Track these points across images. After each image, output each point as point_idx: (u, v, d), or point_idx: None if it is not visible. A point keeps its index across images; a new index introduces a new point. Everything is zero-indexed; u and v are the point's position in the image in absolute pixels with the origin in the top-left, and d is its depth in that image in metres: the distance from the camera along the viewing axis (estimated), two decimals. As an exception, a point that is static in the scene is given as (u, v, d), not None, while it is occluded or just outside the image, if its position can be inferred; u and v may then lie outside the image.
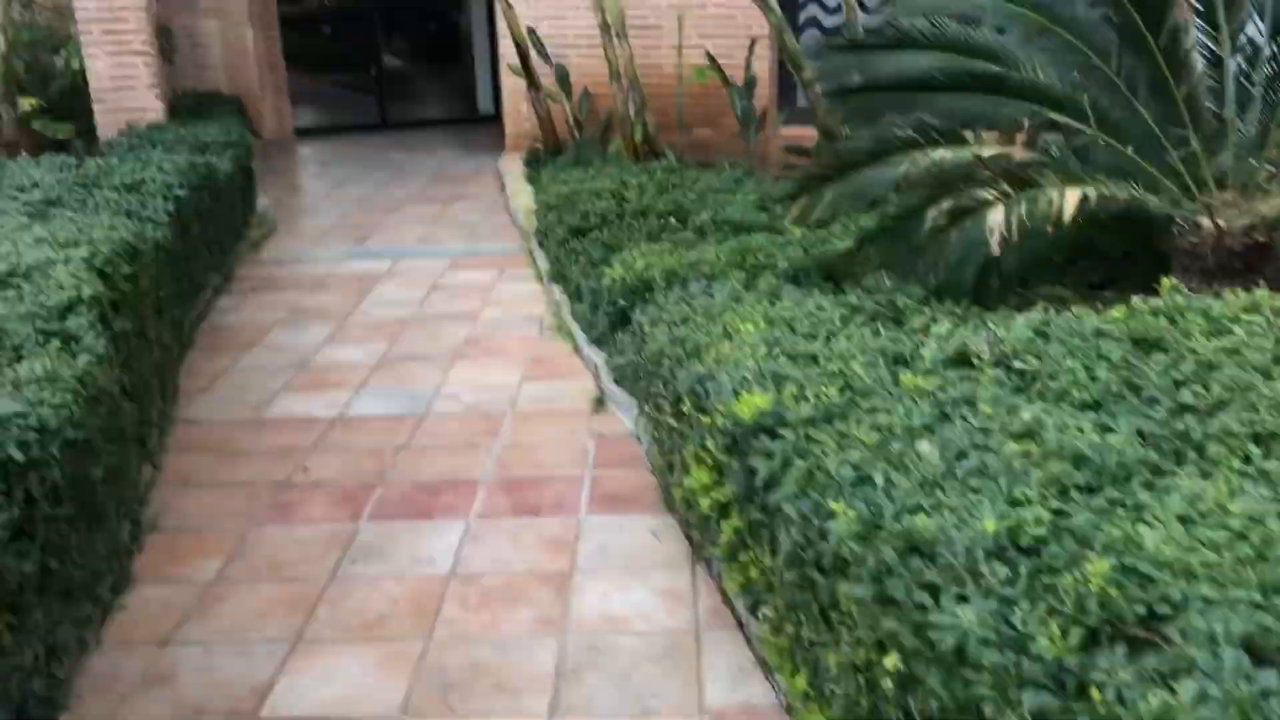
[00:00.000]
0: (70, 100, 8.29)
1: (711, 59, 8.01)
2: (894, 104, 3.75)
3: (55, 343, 3.15)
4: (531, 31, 8.80)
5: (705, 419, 2.70)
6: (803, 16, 9.38)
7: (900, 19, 3.91)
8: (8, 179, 5.44)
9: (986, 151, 3.56)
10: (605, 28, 7.72)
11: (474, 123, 11.90)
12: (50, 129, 7.92)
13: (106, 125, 7.54)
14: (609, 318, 4.73)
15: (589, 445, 4.04)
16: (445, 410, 4.46)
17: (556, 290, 5.79)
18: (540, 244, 6.67)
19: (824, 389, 2.56)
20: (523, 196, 7.86)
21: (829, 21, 8.52)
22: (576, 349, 5.09)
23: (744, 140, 8.05)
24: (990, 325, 3.01)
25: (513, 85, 9.42)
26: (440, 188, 8.80)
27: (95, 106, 7.50)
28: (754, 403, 2.44)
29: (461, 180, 9.08)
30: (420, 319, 5.69)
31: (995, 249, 3.22)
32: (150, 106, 7.52)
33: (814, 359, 2.88)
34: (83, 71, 7.58)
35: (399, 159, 10.08)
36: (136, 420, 3.66)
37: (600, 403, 4.42)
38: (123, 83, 7.44)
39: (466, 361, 5.04)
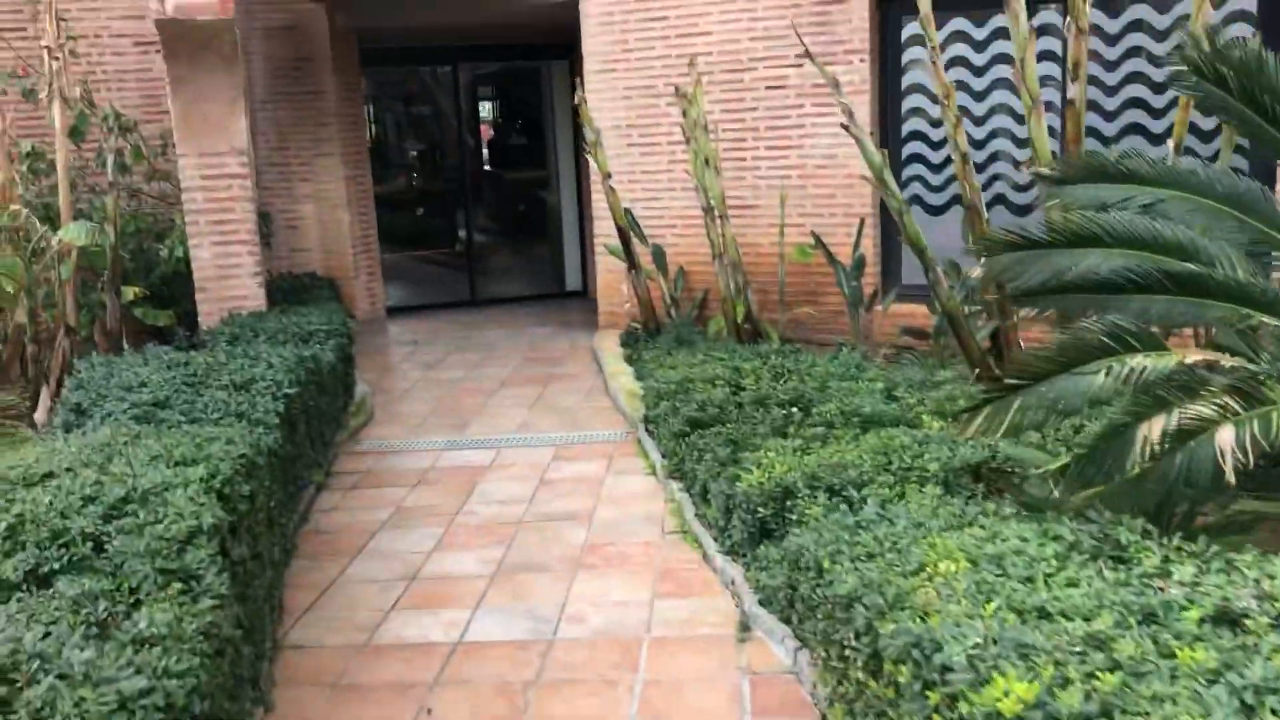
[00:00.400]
0: (170, 286, 8.34)
1: (817, 238, 7.84)
2: (1080, 305, 3.43)
3: (176, 585, 2.85)
4: (627, 212, 8.76)
5: (932, 696, 2.28)
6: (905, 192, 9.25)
7: (1072, 212, 3.62)
8: (116, 378, 5.31)
9: (1191, 358, 3.19)
10: (708, 209, 7.61)
11: (562, 298, 11.86)
12: (151, 316, 7.94)
13: (208, 313, 7.51)
14: (746, 527, 4.36)
15: (742, 684, 3.60)
16: (573, 635, 4.06)
17: (675, 487, 5.44)
18: (649, 433, 6.37)
19: (1086, 666, 2.13)
20: (623, 378, 7.62)
21: (933, 199, 8.36)
22: (706, 558, 4.69)
23: (851, 320, 7.78)
24: (1244, 568, 2.58)
25: (607, 264, 9.35)
26: (535, 368, 8.62)
27: (198, 295, 7.49)
28: (1012, 691, 2.02)
29: (556, 360, 8.90)
30: (532, 520, 5.35)
31: (1231, 476, 2.82)
32: (252, 294, 7.49)
33: (1047, 614, 2.46)
34: (186, 259, 7.62)
35: (491, 337, 9.99)
36: (252, 659, 3.33)
37: (745, 628, 4.00)
38: (226, 271, 7.44)
39: (588, 573, 4.66)
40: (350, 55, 10.52)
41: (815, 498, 4.24)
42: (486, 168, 15.24)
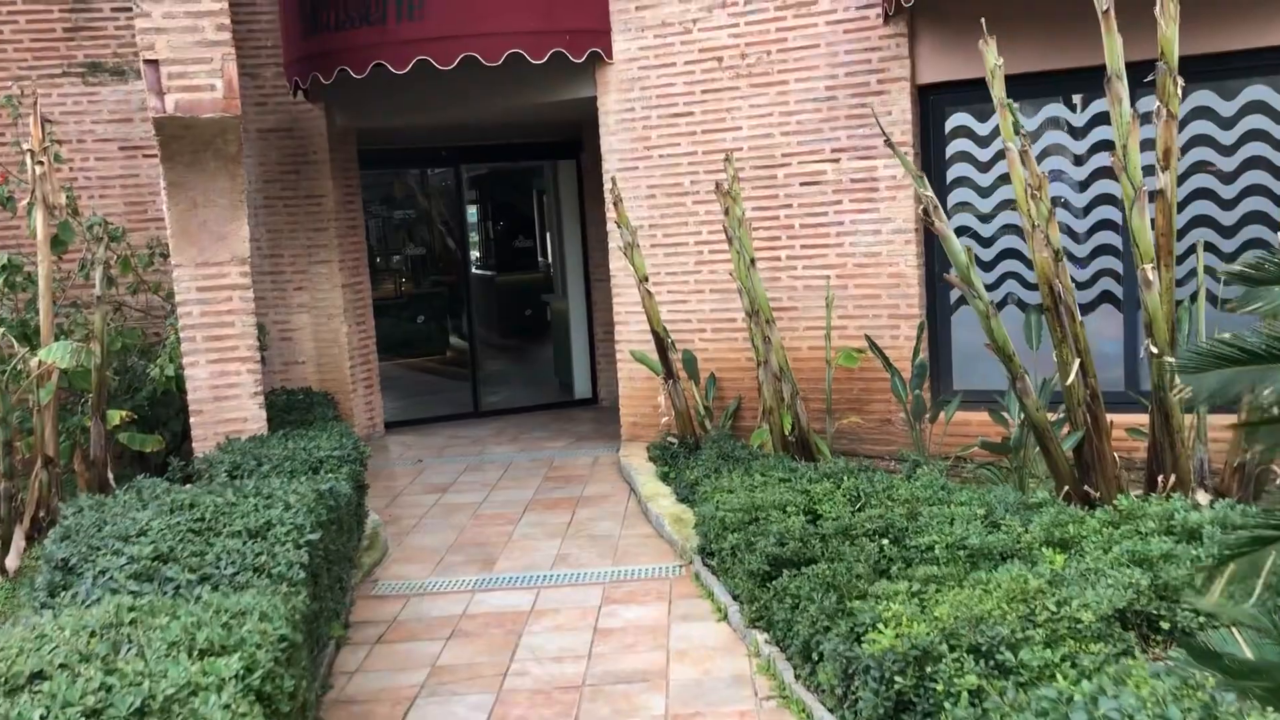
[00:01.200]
0: (156, 407, 7.60)
1: (872, 343, 7.27)
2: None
3: None
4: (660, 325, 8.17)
5: None
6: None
7: (1281, 320, 3.02)
8: (109, 525, 4.55)
9: None
10: (752, 313, 7.03)
11: (571, 407, 11.19)
12: (137, 441, 7.17)
13: (204, 437, 6.77)
14: (879, 700, 3.63)
15: None
16: None
17: (759, 639, 4.70)
18: (709, 567, 5.65)
19: None
20: (663, 500, 6.92)
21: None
22: (820, 732, 3.95)
23: (911, 432, 7.16)
24: None
25: (630, 371, 8.72)
26: (560, 489, 7.90)
27: (193, 418, 6.76)
28: None
29: (580, 478, 8.19)
30: (596, 682, 4.59)
31: None
32: (252, 416, 6.77)
33: None
34: (177, 379, 6.91)
35: (503, 453, 9.26)
36: None
37: (900, 834, 3.26)
38: (224, 392, 6.73)
39: (681, 755, 3.91)
40: (349, 156, 10.00)
41: (962, 663, 3.55)
42: (486, 271, 14.70)
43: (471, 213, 12.86)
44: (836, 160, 7.83)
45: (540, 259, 21.46)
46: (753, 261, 6.92)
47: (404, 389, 12.67)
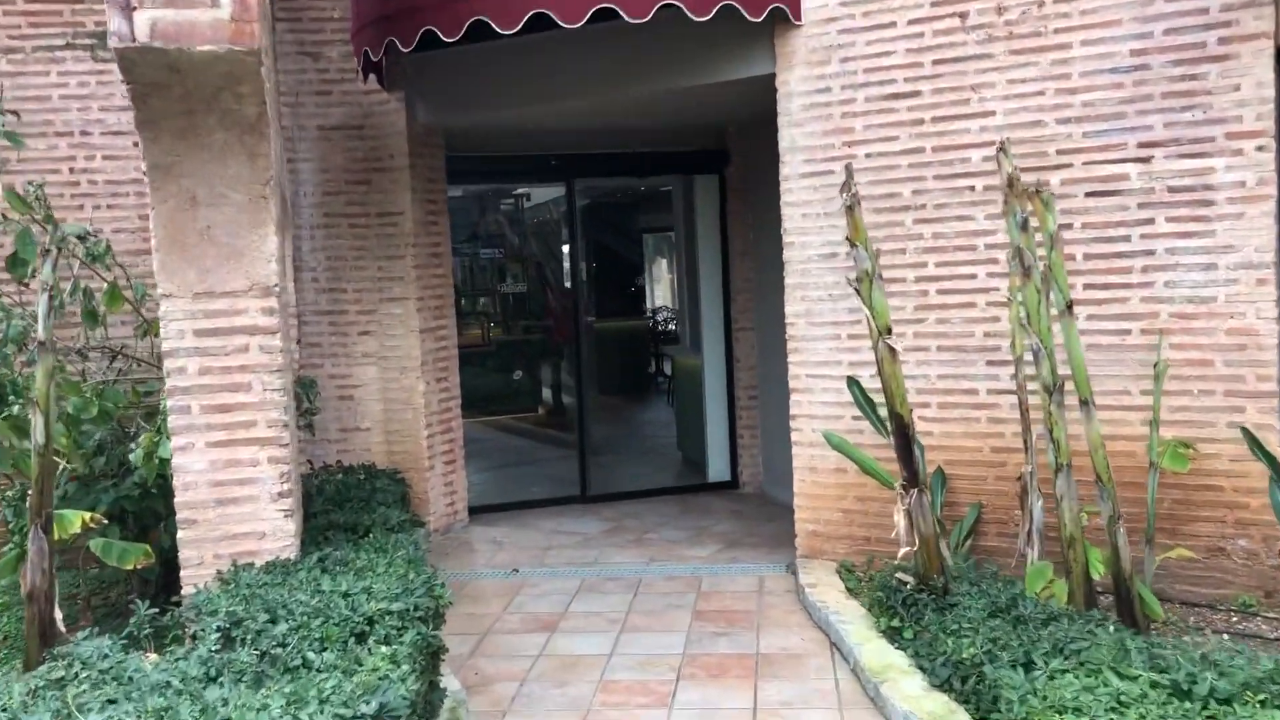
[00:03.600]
0: (154, 502, 5.28)
1: (1251, 437, 4.63)
2: None
3: None
4: (853, 382, 5.66)
5: None
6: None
7: None
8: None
9: None
10: (1052, 389, 4.45)
11: (703, 493, 8.66)
12: (115, 554, 4.85)
13: (199, 560, 4.43)
14: None
15: None
16: None
17: None
18: None
19: None
20: (905, 684, 4.34)
21: None
22: None
23: (1254, 567, 4.49)
24: None
25: (814, 459, 6.19)
26: (720, 635, 5.36)
27: (182, 531, 4.42)
28: None
29: (744, 617, 5.64)
30: None
31: None
32: (274, 529, 4.41)
33: None
34: (164, 466, 4.59)
35: (626, 563, 6.76)
36: None
37: None
38: (231, 491, 4.39)
39: None
40: (434, 165, 7.72)
41: None
42: (592, 317, 12.37)
43: (586, 241, 10.49)
44: (1146, 159, 5.26)
45: (646, 304, 19.03)
46: (1069, 307, 4.35)
47: (490, 457, 10.29)
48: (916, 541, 4.67)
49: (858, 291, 4.56)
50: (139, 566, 4.96)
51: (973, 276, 5.72)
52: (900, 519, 4.69)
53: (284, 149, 6.74)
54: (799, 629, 5.40)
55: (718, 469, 8.79)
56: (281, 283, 4.52)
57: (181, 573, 4.40)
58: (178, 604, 4.39)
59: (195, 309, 4.35)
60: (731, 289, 8.62)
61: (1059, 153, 5.44)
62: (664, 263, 30.06)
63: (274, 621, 3.76)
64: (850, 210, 4.45)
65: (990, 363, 5.70)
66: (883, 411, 5.59)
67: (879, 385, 5.82)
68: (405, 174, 7.43)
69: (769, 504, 8.18)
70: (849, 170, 4.64)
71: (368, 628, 3.69)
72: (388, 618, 3.75)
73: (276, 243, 4.39)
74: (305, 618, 3.74)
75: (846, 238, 4.63)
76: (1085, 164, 5.38)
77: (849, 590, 5.65)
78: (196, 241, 4.29)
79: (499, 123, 7.73)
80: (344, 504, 6.20)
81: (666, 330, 17.43)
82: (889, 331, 4.56)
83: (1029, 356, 4.88)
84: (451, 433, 7.83)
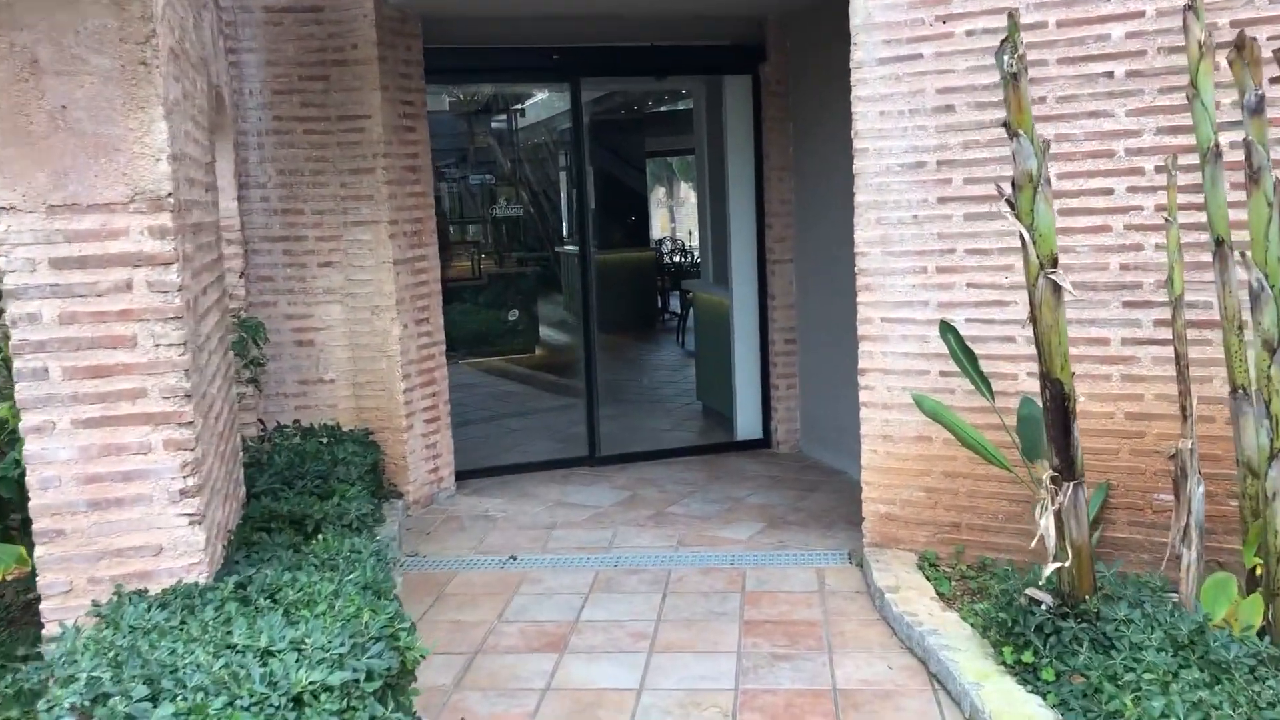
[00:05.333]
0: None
1: None
2: None
3: None
4: (949, 330, 4.38)
5: None
6: None
7: None
8: None
9: None
10: (1277, 345, 3.15)
11: (731, 452, 7.40)
12: (-25, 562, 3.55)
13: (66, 586, 3.13)
14: None
15: None
16: None
17: None
18: None
19: None
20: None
21: None
22: None
23: None
24: None
25: (888, 425, 4.92)
26: (781, 660, 4.12)
27: (42, 547, 3.11)
28: None
29: (807, 630, 4.40)
30: None
31: None
32: (176, 542, 3.13)
33: None
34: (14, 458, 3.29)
35: (648, 549, 5.52)
36: None
37: None
38: (111, 490, 3.08)
39: None
40: (409, 58, 6.30)
41: None
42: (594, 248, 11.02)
43: (593, 154, 9.06)
44: (1362, 30, 3.90)
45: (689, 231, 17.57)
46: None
47: (481, 407, 9.02)
48: (1069, 553, 3.39)
49: (1011, 205, 3.22)
50: (9, 577, 3.70)
51: (1108, 192, 4.38)
52: (1048, 522, 3.40)
53: (218, 27, 5.32)
54: (881, 650, 4.16)
55: (748, 425, 7.51)
56: (180, 194, 3.17)
57: (42, 605, 3.11)
58: (25, 658, 3.12)
59: (51, 228, 3.01)
60: (766, 213, 7.25)
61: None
62: (670, 188, 28.50)
63: (154, 699, 2.49)
64: (1013, 81, 3.09)
65: (1128, 304, 4.39)
66: (992, 367, 4.33)
67: (976, 333, 4.56)
68: (373, 68, 6.01)
69: (811, 468, 6.92)
70: (1013, 21, 3.24)
71: (293, 716, 2.41)
72: (325, 696, 2.47)
73: (166, 133, 3.02)
74: (201, 695, 2.47)
75: (1004, 123, 3.27)
76: None
77: (941, 597, 4.40)
78: (47, 129, 2.93)
79: (488, 6, 6.31)
80: (296, 480, 4.92)
81: (674, 262, 16.07)
82: (1054, 263, 3.22)
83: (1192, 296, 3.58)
84: (434, 385, 6.52)
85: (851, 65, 4.84)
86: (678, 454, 7.37)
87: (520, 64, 6.96)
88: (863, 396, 4.99)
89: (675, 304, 14.41)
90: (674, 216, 27.80)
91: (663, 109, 16.34)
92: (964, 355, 4.40)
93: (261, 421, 6.01)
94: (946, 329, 4.46)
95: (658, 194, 27.22)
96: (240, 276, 5.78)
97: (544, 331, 12.73)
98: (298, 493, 4.74)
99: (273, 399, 6.22)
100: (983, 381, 4.38)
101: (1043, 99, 4.42)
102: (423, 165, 6.40)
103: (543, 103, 15.07)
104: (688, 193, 27.98)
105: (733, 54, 7.15)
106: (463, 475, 6.83)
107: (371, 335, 6.21)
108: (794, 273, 7.23)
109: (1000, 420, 4.42)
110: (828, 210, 6.67)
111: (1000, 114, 4.49)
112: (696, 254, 19.36)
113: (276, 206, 6.15)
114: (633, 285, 13.61)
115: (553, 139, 16.02)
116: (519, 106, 14.07)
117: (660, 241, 18.35)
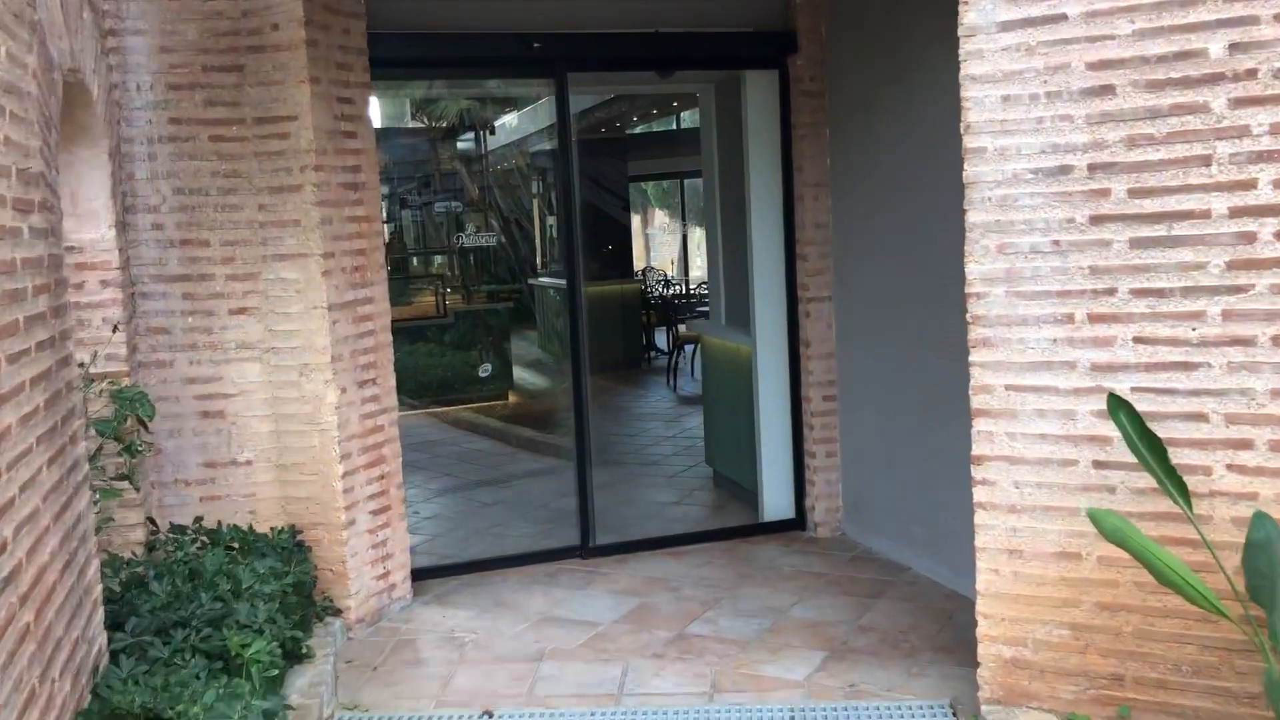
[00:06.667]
0: None
1: None
2: None
3: None
4: (1119, 403, 2.99)
5: None
6: None
7: None
8: None
9: None
10: None
11: (755, 535, 5.98)
12: None
13: None
14: None
15: None
16: None
17: None
18: None
19: None
20: None
21: None
22: None
23: None
24: None
25: (1012, 533, 3.50)
26: None
27: None
28: None
29: None
30: None
31: None
32: None
33: None
34: None
35: (672, 700, 4.07)
36: None
37: None
38: None
39: None
40: (348, 44, 4.86)
41: None
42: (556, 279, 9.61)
43: (581, 167, 7.67)
44: None
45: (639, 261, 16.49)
46: None
47: (445, 473, 7.58)
48: None
49: None
50: None
51: (1355, 205, 3.02)
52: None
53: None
54: None
55: (776, 502, 6.08)
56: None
57: None
58: None
59: None
60: (798, 241, 5.86)
61: None
62: (645, 215, 27.12)
63: None
64: None
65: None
66: (1174, 457, 2.96)
67: (1148, 408, 3.18)
68: (300, 55, 4.58)
69: (864, 560, 5.50)
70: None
71: None
72: None
73: None
74: None
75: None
76: None
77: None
78: None
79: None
80: (177, 626, 3.43)
81: (663, 296, 14.69)
82: None
83: None
84: (383, 465, 5.04)
85: (960, 32, 3.46)
86: (691, 541, 5.92)
87: (492, 53, 5.50)
88: (978, 495, 3.58)
89: (661, 339, 13.03)
90: (649, 245, 26.52)
91: (644, 130, 15.02)
92: (1144, 443, 3.03)
93: (152, 521, 4.51)
94: (1117, 405, 3.08)
95: (649, 217, 25.96)
96: (115, 330, 4.29)
97: (518, 373, 11.29)
98: (175, 649, 3.25)
99: (169, 489, 4.72)
100: (1174, 481, 3.01)
101: (1250, 72, 3.06)
102: (366, 181, 4.95)
103: (514, 124, 13.72)
104: (664, 219, 26.72)
105: (755, 43, 5.77)
106: (421, 574, 5.35)
107: (300, 403, 4.73)
108: (834, 313, 5.84)
109: (1199, 534, 3.03)
110: (885, 235, 5.31)
111: (1183, 95, 3.14)
112: (684, 285, 18.06)
113: (173, 236, 4.68)
114: (617, 321, 12.23)
115: (526, 161, 14.66)
116: (490, 123, 12.72)
117: (643, 272, 17.00)
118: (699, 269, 22.80)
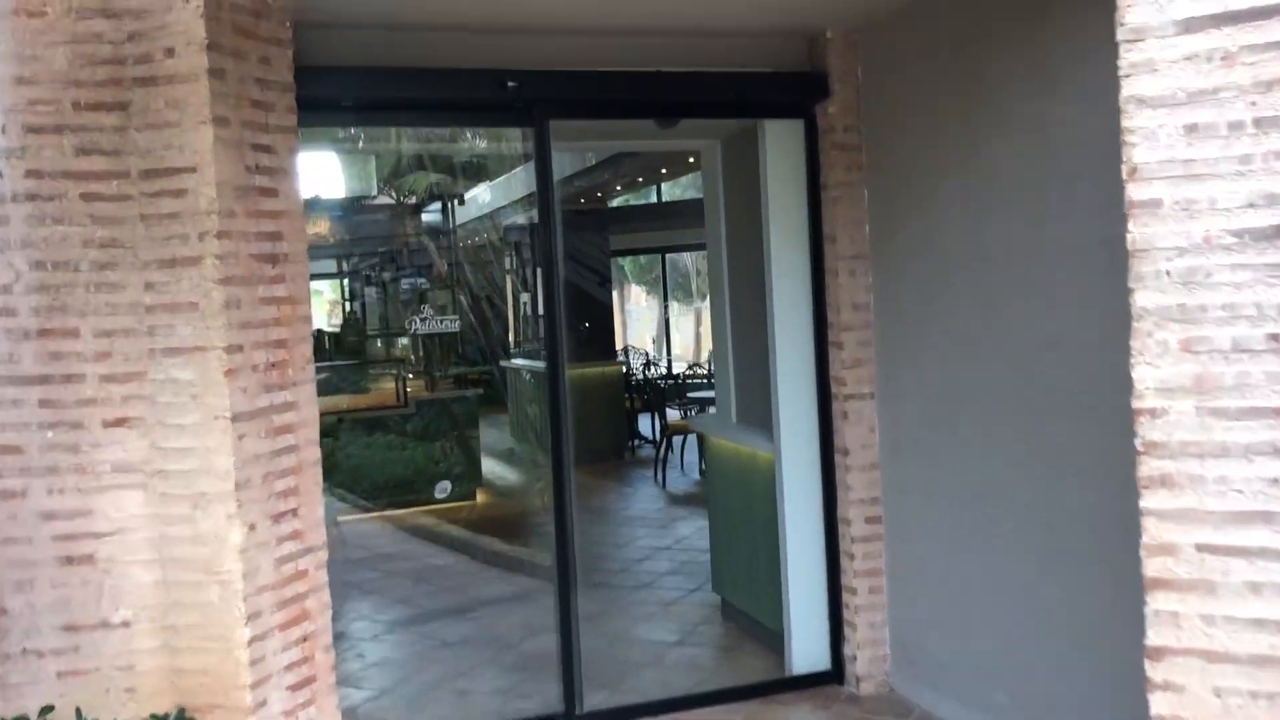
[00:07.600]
0: None
1: None
2: None
3: None
4: None
5: None
6: None
7: None
8: None
9: None
10: None
11: (783, 694, 4.78)
12: None
13: None
14: None
15: None
16: None
17: None
18: None
19: None
20: None
21: None
22: None
23: None
24: None
25: None
26: None
27: None
28: None
29: None
30: None
31: None
32: None
33: None
34: None
35: None
36: None
37: None
38: None
39: None
40: (268, 77, 3.78)
41: None
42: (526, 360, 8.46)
43: (564, 229, 6.60)
44: None
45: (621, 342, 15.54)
46: None
47: (400, 597, 6.35)
48: None
49: None
50: None
51: None
52: None
53: None
54: None
55: (808, 649, 4.89)
56: None
57: None
58: None
59: None
60: (830, 325, 4.79)
61: None
62: (622, 291, 26.16)
63: None
64: None
65: None
66: None
67: None
68: (202, 89, 3.50)
69: (922, 728, 4.32)
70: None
71: None
72: None
73: None
74: None
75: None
76: None
77: None
78: None
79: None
80: None
81: (647, 378, 13.60)
82: None
83: None
84: (306, 623, 3.83)
85: (1121, 37, 2.42)
86: (701, 703, 4.70)
87: (456, 94, 4.41)
88: (1157, 705, 2.44)
89: (645, 426, 11.91)
90: (626, 323, 25.57)
91: (622, 203, 14.16)
92: None
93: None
94: None
95: (629, 294, 25.10)
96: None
97: (488, 466, 10.12)
98: None
99: (14, 662, 3.51)
100: None
101: None
102: (290, 253, 3.83)
103: (485, 197, 12.80)
104: (639, 296, 25.84)
105: (777, 87, 4.75)
106: (360, 758, 4.12)
107: (194, 544, 3.55)
108: (877, 415, 4.73)
109: None
110: (944, 317, 4.25)
111: None
112: (667, 365, 16.99)
113: (29, 325, 3.53)
114: (598, 407, 11.10)
115: (498, 236, 13.66)
116: (459, 195, 11.74)
117: (624, 352, 15.93)
118: (680, 346, 21.76)
